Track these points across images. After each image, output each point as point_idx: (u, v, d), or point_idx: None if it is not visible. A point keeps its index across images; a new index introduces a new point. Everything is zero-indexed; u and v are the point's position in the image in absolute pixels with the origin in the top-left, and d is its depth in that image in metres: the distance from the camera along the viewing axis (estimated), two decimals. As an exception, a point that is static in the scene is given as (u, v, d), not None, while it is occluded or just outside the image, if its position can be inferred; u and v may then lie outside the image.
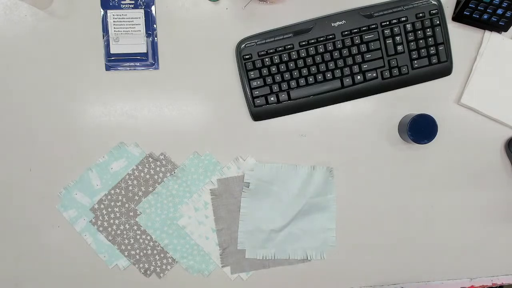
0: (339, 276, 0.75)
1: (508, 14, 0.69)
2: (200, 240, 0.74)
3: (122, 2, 0.72)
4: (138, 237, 0.75)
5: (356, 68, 0.71)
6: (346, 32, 0.70)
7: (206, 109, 0.74)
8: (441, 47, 0.70)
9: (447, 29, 0.71)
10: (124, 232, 0.75)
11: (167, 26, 0.73)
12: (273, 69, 0.71)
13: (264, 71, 0.71)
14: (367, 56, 0.70)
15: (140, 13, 0.72)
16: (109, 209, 0.74)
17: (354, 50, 0.70)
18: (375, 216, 0.74)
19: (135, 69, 0.73)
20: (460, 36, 0.72)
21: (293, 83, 0.71)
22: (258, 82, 0.71)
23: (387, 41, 0.70)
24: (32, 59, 0.73)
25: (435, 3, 0.70)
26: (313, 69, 0.71)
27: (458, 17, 0.71)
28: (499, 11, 0.69)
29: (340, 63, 0.71)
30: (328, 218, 0.74)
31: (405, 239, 0.75)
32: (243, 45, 0.71)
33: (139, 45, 0.72)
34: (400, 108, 0.73)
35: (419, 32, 0.70)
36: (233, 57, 0.73)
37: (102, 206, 0.74)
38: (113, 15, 0.72)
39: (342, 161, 0.74)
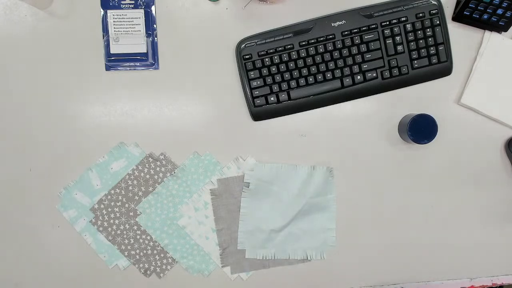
0: (339, 276, 0.75)
1: (508, 14, 0.69)
2: (200, 240, 0.74)
3: (122, 2, 0.72)
4: (138, 237, 0.75)
5: (356, 68, 0.71)
6: (346, 32, 0.70)
7: (206, 109, 0.74)
8: (441, 47, 0.70)
9: (447, 29, 0.71)
10: (124, 232, 0.75)
11: (167, 26, 0.73)
12: (273, 69, 0.71)
13: (264, 71, 0.71)
14: (367, 56, 0.70)
15: (140, 13, 0.72)
16: (109, 209, 0.74)
17: (354, 50, 0.70)
18: (375, 216, 0.74)
19: (135, 69, 0.73)
20: (460, 36, 0.72)
21: (293, 83, 0.71)
22: (258, 82, 0.71)
23: (387, 41, 0.70)
24: (32, 59, 0.73)
25: (435, 3, 0.70)
26: (313, 69, 0.71)
27: (458, 17, 0.71)
28: (499, 11, 0.69)
29: (340, 63, 0.71)
30: (328, 218, 0.74)
31: (405, 239, 0.75)
32: (243, 45, 0.71)
33: (139, 45, 0.72)
34: (400, 108, 0.73)
35: (419, 32, 0.70)
36: (233, 57, 0.73)
37: (102, 206, 0.74)
38: (113, 15, 0.72)
39: (342, 161, 0.74)
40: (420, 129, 0.68)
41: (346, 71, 0.71)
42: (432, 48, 0.70)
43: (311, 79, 0.71)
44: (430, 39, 0.70)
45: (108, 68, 0.73)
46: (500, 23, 0.70)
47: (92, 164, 0.74)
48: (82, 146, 0.74)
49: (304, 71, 0.71)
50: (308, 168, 0.74)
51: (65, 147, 0.74)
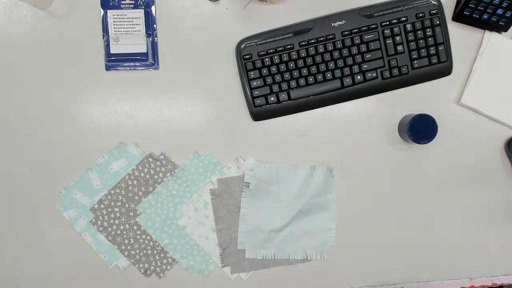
0: (339, 276, 0.75)
1: (508, 14, 0.69)
2: (200, 240, 0.74)
3: (122, 2, 0.72)
4: (138, 237, 0.75)
5: (356, 68, 0.71)
6: (346, 32, 0.70)
7: (206, 109, 0.74)
8: (441, 47, 0.70)
9: (447, 29, 0.71)
10: (124, 232, 0.75)
11: (167, 26, 0.73)
12: (273, 69, 0.71)
13: (264, 71, 0.71)
14: (367, 56, 0.70)
15: (140, 13, 0.72)
16: (109, 209, 0.74)
17: (354, 50, 0.70)
18: (375, 216, 0.74)
19: (135, 69, 0.73)
20: (460, 36, 0.72)
21: (293, 83, 0.71)
22: (258, 82, 0.71)
23: (387, 41, 0.70)
24: (32, 59, 0.73)
25: (435, 3, 0.70)
26: (313, 69, 0.71)
27: (458, 17, 0.71)
28: (499, 11, 0.69)
29: (340, 63, 0.71)
30: (328, 218, 0.74)
31: (405, 238, 0.75)
32: (243, 45, 0.71)
33: (139, 45, 0.72)
34: (400, 108, 0.73)
35: (419, 32, 0.70)
36: (233, 57, 0.73)
37: (102, 206, 0.74)
38: (113, 15, 0.72)
39: (342, 161, 0.74)
40: (420, 129, 0.68)
41: (346, 71, 0.71)
42: (432, 48, 0.70)
43: (311, 79, 0.71)
44: (430, 39, 0.70)
45: (108, 68, 0.73)
46: (500, 23, 0.70)
47: (92, 164, 0.74)
48: (82, 146, 0.74)
49: (304, 71, 0.71)
50: (308, 168, 0.74)
51: (65, 147, 0.74)
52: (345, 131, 0.74)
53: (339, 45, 0.70)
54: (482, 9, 0.69)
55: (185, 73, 0.73)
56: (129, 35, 0.72)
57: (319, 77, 0.71)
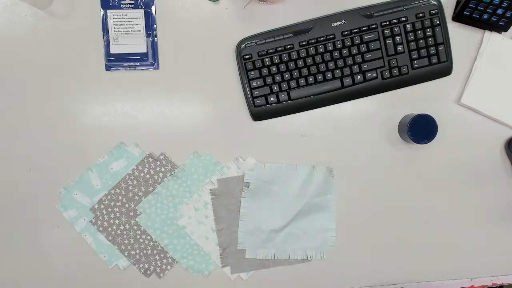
0: (339, 276, 0.75)
1: (508, 14, 0.69)
2: (200, 240, 0.74)
3: (122, 2, 0.72)
4: (138, 237, 0.75)
5: (356, 68, 0.71)
6: (346, 32, 0.70)
7: (206, 109, 0.74)
8: (441, 47, 0.70)
9: (447, 29, 0.71)
10: (124, 232, 0.75)
11: (167, 26, 0.73)
12: (273, 69, 0.71)
13: (264, 71, 0.71)
14: (367, 56, 0.70)
15: (140, 13, 0.72)
16: (109, 209, 0.74)
17: (354, 50, 0.70)
18: (375, 216, 0.74)
19: (135, 69, 0.73)
20: (460, 36, 0.72)
21: (293, 83, 0.71)
22: (258, 82, 0.71)
23: (387, 41, 0.70)
24: (32, 59, 0.73)
25: (435, 3, 0.70)
26: (313, 69, 0.71)
27: (458, 17, 0.71)
28: (499, 11, 0.69)
29: (340, 63, 0.71)
30: (328, 218, 0.74)
31: (405, 239, 0.75)
32: (243, 45, 0.71)
33: (139, 45, 0.72)
34: (400, 108, 0.73)
35: (419, 32, 0.70)
36: (233, 57, 0.73)
37: (102, 206, 0.74)
38: (113, 15, 0.72)
39: (342, 161, 0.74)
40: (420, 129, 0.68)
41: (346, 71, 0.71)
42: (432, 48, 0.70)
43: (311, 79, 0.71)
44: (430, 39, 0.70)
45: (108, 68, 0.73)
46: (500, 23, 0.70)
47: (92, 164, 0.74)
48: (82, 146, 0.74)
49: (304, 71, 0.71)
50: (308, 168, 0.74)
51: (65, 147, 0.74)
52: (345, 131, 0.74)
53: (339, 45, 0.70)
54: (482, 9, 0.69)
55: (185, 73, 0.73)
56: (129, 35, 0.72)
57: (319, 77, 0.71)
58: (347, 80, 0.71)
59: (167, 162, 0.74)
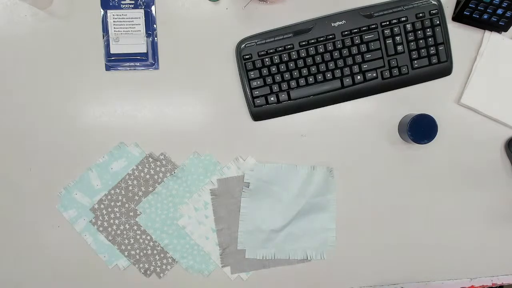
0: (339, 276, 0.75)
1: (508, 14, 0.69)
2: (200, 240, 0.74)
3: (122, 2, 0.72)
4: (138, 237, 0.75)
5: (356, 68, 0.71)
6: (346, 32, 0.70)
7: (206, 109, 0.74)
8: (441, 47, 0.70)
9: (447, 29, 0.71)
10: (124, 232, 0.75)
11: (167, 26, 0.73)
12: (273, 69, 0.71)
13: (264, 71, 0.71)
14: (367, 56, 0.70)
15: (140, 13, 0.72)
16: (109, 209, 0.74)
17: (354, 50, 0.70)
18: (375, 216, 0.74)
19: (135, 69, 0.73)
20: (460, 36, 0.72)
21: (293, 83, 0.71)
22: (258, 82, 0.71)
23: (387, 41, 0.70)
24: (32, 59, 0.73)
25: (435, 3, 0.70)
26: (313, 69, 0.71)
27: (458, 17, 0.71)
28: (499, 11, 0.69)
29: (340, 63, 0.71)
30: (328, 218, 0.74)
31: (405, 239, 0.75)
32: (243, 45, 0.71)
33: (139, 45, 0.72)
34: (400, 108, 0.73)
35: (419, 32, 0.70)
36: (233, 57, 0.73)
37: (102, 206, 0.74)
38: (113, 15, 0.72)
39: (342, 161, 0.74)
40: (420, 129, 0.68)
41: (346, 71, 0.71)
42: (432, 48, 0.70)
43: (311, 79, 0.71)
44: (430, 39, 0.70)
45: (108, 68, 0.73)
46: (500, 23, 0.70)
47: (92, 164, 0.74)
48: (82, 146, 0.74)
49: (304, 71, 0.71)
50: (308, 168, 0.74)
51: (65, 147, 0.74)
52: (345, 131, 0.74)
53: (339, 45, 0.70)
54: (482, 9, 0.69)
55: (185, 73, 0.73)
56: (129, 35, 0.72)
57: (319, 77, 0.71)
58: (347, 80, 0.71)
59: (167, 162, 0.74)
